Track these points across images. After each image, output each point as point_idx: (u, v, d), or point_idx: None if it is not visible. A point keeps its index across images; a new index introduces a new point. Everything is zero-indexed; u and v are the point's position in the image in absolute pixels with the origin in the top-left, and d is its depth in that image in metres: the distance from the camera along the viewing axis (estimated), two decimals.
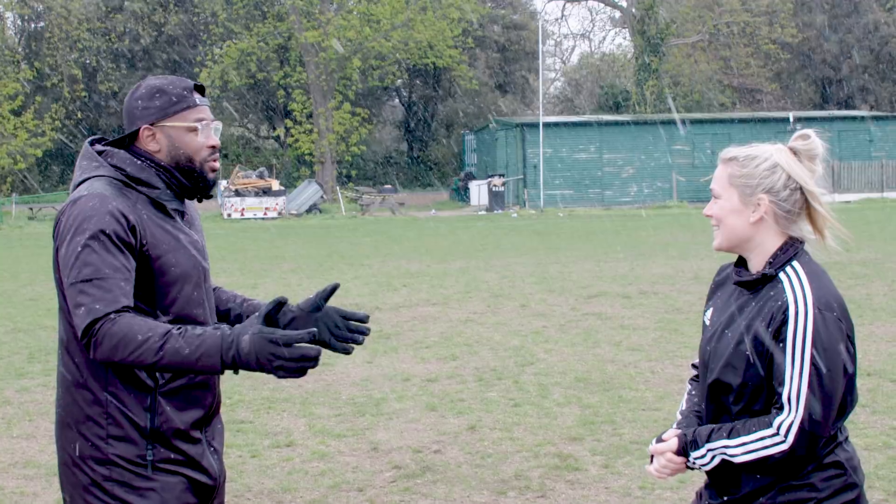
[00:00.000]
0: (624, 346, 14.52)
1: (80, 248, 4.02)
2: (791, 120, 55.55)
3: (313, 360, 3.89)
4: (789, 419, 3.80)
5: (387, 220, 47.15)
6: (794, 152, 4.06)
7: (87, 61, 68.46)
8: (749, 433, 3.88)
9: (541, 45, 62.47)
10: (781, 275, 3.96)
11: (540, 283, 21.50)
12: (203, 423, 4.35)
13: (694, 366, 4.44)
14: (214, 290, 4.71)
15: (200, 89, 4.38)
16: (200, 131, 4.29)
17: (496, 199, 51.24)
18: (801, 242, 4.04)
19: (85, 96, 67.25)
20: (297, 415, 11.13)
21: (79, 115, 67.31)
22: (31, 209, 52.16)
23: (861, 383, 11.75)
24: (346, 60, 60.23)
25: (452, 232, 37.91)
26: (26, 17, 69.43)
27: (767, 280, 3.99)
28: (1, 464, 9.65)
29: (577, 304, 18.49)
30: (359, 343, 4.29)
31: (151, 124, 4.27)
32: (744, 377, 3.93)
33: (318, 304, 4.41)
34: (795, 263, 3.97)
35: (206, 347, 3.90)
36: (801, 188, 4.03)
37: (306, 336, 3.88)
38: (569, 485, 8.61)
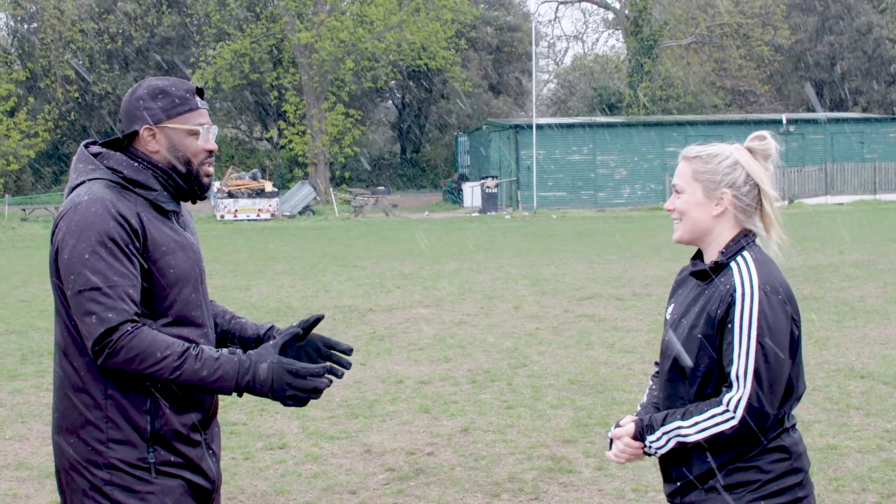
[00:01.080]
0: (617, 348, 14.52)
1: (86, 255, 4.03)
2: (784, 122, 55.61)
3: (320, 393, 4.08)
4: (738, 395, 3.99)
5: (380, 221, 47.13)
6: (751, 151, 4.27)
7: (81, 62, 68.38)
8: (701, 413, 4.07)
9: (534, 47, 62.56)
10: (732, 263, 4.16)
11: (533, 285, 21.49)
12: (202, 425, 4.33)
13: (657, 363, 4.57)
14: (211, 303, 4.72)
15: (201, 93, 4.39)
16: (201, 135, 4.30)
17: (489, 200, 51.23)
18: (754, 235, 4.25)
19: (78, 97, 67.14)
20: (290, 417, 11.12)
21: (72, 116, 67.21)
22: (23, 210, 52.07)
23: (854, 386, 11.77)
24: (339, 62, 60.22)
25: (446, 233, 37.90)
26: (19, 18, 69.28)
27: (720, 269, 4.18)
28: None
29: (571, 305, 18.49)
30: (338, 377, 4.25)
31: (153, 125, 4.26)
32: (696, 360, 4.11)
33: (299, 332, 4.37)
34: (745, 253, 4.18)
35: (223, 371, 4.02)
36: (757, 186, 4.24)
37: (322, 370, 4.08)
38: (562, 487, 8.60)
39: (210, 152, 4.34)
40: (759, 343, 3.97)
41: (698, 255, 4.38)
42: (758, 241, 4.26)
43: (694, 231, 4.27)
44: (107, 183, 4.20)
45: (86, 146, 4.37)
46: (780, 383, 4.02)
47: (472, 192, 54.37)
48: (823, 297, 18.10)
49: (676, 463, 4.22)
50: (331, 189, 58.04)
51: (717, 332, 4.07)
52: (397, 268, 25.63)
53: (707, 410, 4.04)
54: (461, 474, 9.03)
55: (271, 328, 4.62)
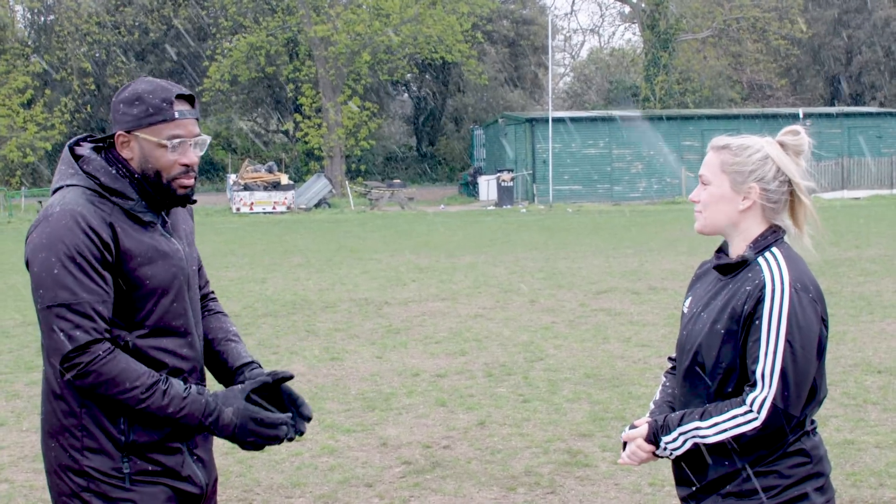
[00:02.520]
0: (633, 342, 14.50)
1: (55, 270, 3.97)
2: (801, 116, 55.46)
3: (280, 441, 4.18)
4: (762, 395, 3.88)
5: (395, 214, 47.14)
6: (783, 146, 4.19)
7: (97, 55, 68.49)
8: (721, 413, 3.96)
9: (550, 41, 62.44)
10: (760, 259, 4.06)
11: (549, 279, 21.48)
12: (182, 434, 4.25)
13: (671, 358, 4.52)
14: (214, 314, 4.62)
15: (189, 99, 4.22)
16: (170, 149, 4.12)
17: (505, 194, 51.21)
18: (783, 231, 4.17)
19: (94, 90, 67.25)
20: None
21: (88, 109, 67.31)
22: (40, 202, 52.14)
23: (871, 381, 11.75)
24: (355, 55, 60.22)
25: (462, 227, 37.90)
26: (36, 11, 69.46)
27: (746, 264, 4.09)
28: (11, 457, 9.66)
29: (587, 299, 18.47)
30: (289, 439, 4.24)
31: (127, 132, 4.15)
32: (718, 356, 4.02)
33: (268, 382, 4.29)
34: (774, 249, 4.09)
35: (188, 410, 4.08)
36: (788, 181, 4.16)
37: (286, 420, 4.18)
38: (578, 481, 8.60)
39: (186, 165, 4.18)
40: (788, 342, 3.86)
41: (721, 249, 4.29)
42: (786, 237, 4.18)
43: (717, 224, 4.18)
44: (82, 191, 4.10)
45: (72, 146, 4.28)
46: (806, 385, 3.92)
47: (487, 186, 54.31)
48: (840, 291, 18.04)
49: (693, 466, 4.12)
50: (346, 182, 58.04)
51: (742, 328, 3.97)
52: (413, 261, 25.63)
53: (727, 411, 3.94)
54: (477, 467, 9.03)
55: (245, 366, 4.47)
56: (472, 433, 10.13)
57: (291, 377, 4.35)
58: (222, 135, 73.31)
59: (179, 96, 4.19)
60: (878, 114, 58.63)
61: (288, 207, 48.85)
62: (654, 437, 4.15)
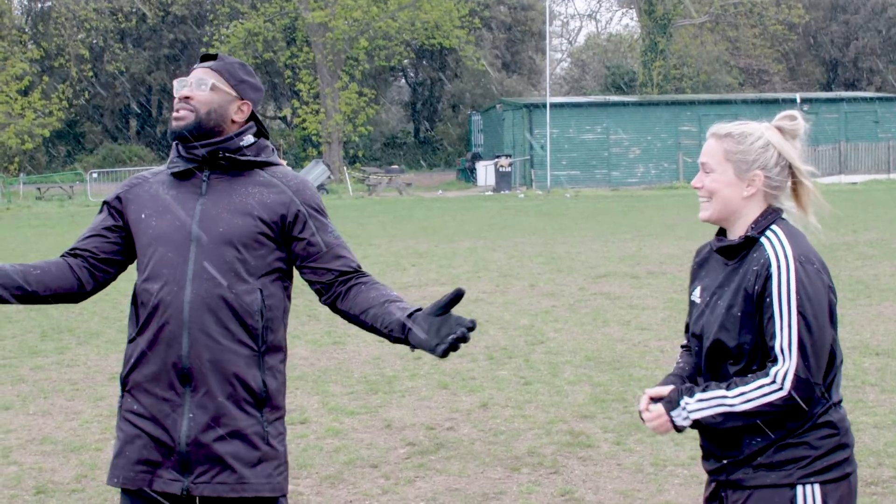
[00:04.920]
0: (633, 325, 14.60)
1: None
2: (798, 101, 55.53)
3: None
4: (784, 368, 3.95)
5: (394, 200, 47.19)
6: (781, 130, 4.24)
7: (95, 41, 68.47)
8: (746, 384, 4.02)
9: (548, 26, 62.56)
10: (762, 238, 4.12)
11: (548, 263, 21.57)
12: (167, 381, 4.42)
13: (683, 346, 4.55)
14: (372, 285, 4.64)
15: (207, 57, 4.66)
16: (175, 90, 4.57)
17: (503, 179, 51.25)
18: (781, 210, 4.22)
19: (92, 76, 67.22)
20: (310, 392, 11.22)
21: (86, 95, 67.29)
22: (38, 189, 52.24)
23: (870, 363, 11.86)
24: (352, 41, 60.21)
25: (460, 212, 37.96)
26: None
27: (750, 245, 4.14)
28: (18, 440, 9.75)
29: (586, 283, 18.56)
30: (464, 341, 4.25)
31: None
32: (739, 339, 4.08)
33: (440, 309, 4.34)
34: (774, 227, 4.14)
35: None
36: (789, 165, 4.21)
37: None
38: (581, 461, 8.69)
39: (179, 98, 4.55)
40: (801, 314, 3.94)
41: (721, 233, 4.33)
42: (787, 217, 4.23)
43: (724, 211, 4.21)
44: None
45: None
46: (824, 352, 3.99)
47: (485, 171, 54.36)
48: (838, 275, 18.11)
49: (722, 439, 4.16)
50: (344, 168, 58.08)
51: (756, 307, 4.03)
52: (412, 246, 25.71)
53: (753, 381, 4.00)
54: (481, 448, 9.13)
55: (415, 312, 4.45)
56: (475, 415, 10.23)
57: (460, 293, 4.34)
58: None
59: (204, 56, 4.70)
60: (876, 99, 58.70)
61: None
62: (675, 401, 4.18)
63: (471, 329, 4.20)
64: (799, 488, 4.04)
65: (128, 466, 4.48)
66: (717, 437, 4.18)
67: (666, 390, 4.25)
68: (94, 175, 52.91)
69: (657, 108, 55.73)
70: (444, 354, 4.21)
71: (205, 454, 4.43)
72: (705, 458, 4.32)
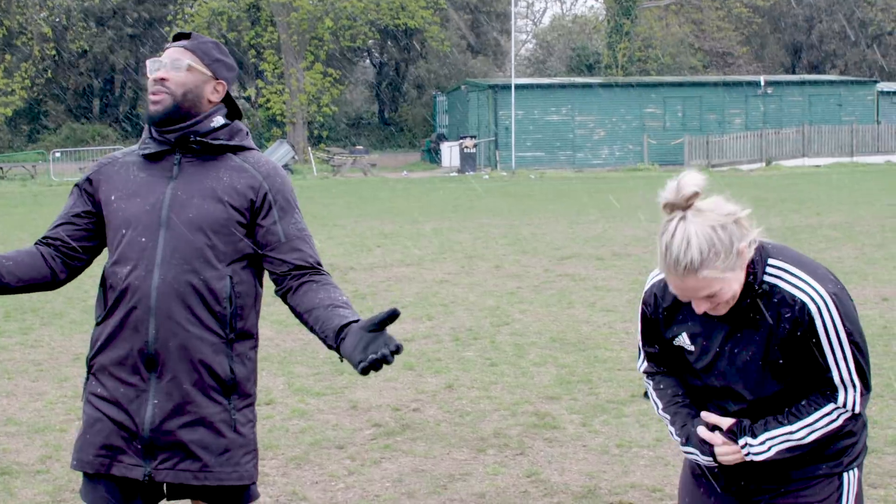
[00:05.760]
0: (598, 307, 14.63)
1: None
2: (762, 83, 55.76)
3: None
4: (851, 396, 3.91)
5: (358, 181, 47.12)
6: (700, 211, 3.76)
7: (57, 19, 67.98)
8: (809, 415, 3.95)
9: (513, 7, 62.45)
10: (768, 278, 3.89)
11: (513, 245, 21.59)
12: (132, 366, 4.40)
13: (649, 372, 4.35)
14: (324, 285, 4.57)
15: (180, 36, 4.60)
16: (149, 72, 4.53)
17: (468, 160, 51.24)
18: (758, 242, 3.91)
19: (55, 55, 66.76)
20: (275, 373, 11.20)
21: (49, 74, 66.84)
22: (0, 169, 51.88)
23: None
24: (317, 20, 60.02)
25: (425, 193, 37.95)
26: None
27: (761, 297, 3.92)
28: None
29: (551, 265, 18.59)
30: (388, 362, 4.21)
31: None
32: (781, 383, 3.99)
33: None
34: (772, 261, 3.92)
35: None
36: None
37: None
38: (547, 443, 8.71)
39: (154, 81, 4.50)
40: (853, 344, 3.86)
41: None
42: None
43: (737, 296, 3.88)
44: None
45: None
46: (871, 365, 3.98)
47: (450, 152, 54.33)
48: (840, 280, 18.14)
49: (765, 473, 4.11)
50: (309, 148, 57.95)
51: (800, 351, 3.89)
52: (377, 227, 25.69)
53: (815, 412, 3.94)
54: (447, 430, 9.14)
55: (351, 323, 4.38)
56: (441, 396, 10.24)
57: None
58: None
59: (177, 35, 4.63)
60: (839, 82, 58.97)
61: None
62: (732, 436, 4.05)
63: (395, 353, 4.17)
64: (845, 475, 4.08)
65: (88, 450, 4.46)
66: (758, 467, 4.11)
67: (725, 422, 4.07)
68: (57, 154, 52.57)
69: (622, 90, 55.80)
70: (364, 372, 4.18)
71: (169, 441, 4.42)
72: (720, 477, 4.23)
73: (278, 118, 63.51)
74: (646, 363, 4.34)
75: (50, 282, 4.55)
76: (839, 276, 14.46)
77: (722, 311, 3.90)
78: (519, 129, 54.11)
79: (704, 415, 4.12)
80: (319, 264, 4.64)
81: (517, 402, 9.93)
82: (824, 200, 30.37)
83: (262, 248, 4.55)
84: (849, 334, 3.85)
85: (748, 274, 3.86)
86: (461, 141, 52.41)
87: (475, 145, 51.94)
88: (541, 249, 20.74)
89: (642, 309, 4.23)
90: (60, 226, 4.57)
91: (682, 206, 3.73)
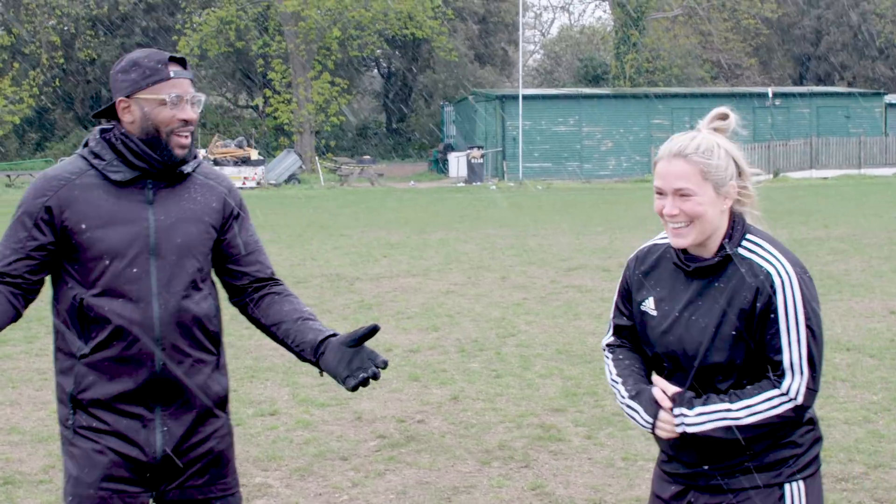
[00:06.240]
0: (604, 318, 14.56)
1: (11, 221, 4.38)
2: (770, 95, 55.70)
3: None
4: (797, 383, 3.90)
5: (365, 190, 47.11)
6: (718, 132, 4.09)
7: (66, 28, 68.08)
8: (751, 397, 3.95)
9: (521, 17, 62.37)
10: (742, 251, 4.00)
11: (520, 256, 21.56)
12: (137, 398, 4.35)
13: (612, 345, 4.42)
14: (285, 297, 4.66)
15: (181, 62, 4.38)
16: (169, 104, 4.27)
17: (475, 171, 51.22)
18: (743, 217, 4.07)
19: (63, 63, 66.87)
20: (280, 384, 11.17)
21: (57, 82, 66.94)
22: (8, 176, 51.92)
23: (840, 358, 11.87)
24: (325, 30, 60.05)
25: (432, 203, 37.93)
26: None
27: (728, 260, 4.00)
28: None
29: (557, 276, 18.55)
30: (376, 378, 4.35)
31: (126, 97, 4.31)
32: (731, 355, 3.97)
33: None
34: (750, 236, 4.03)
35: None
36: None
37: None
38: (552, 455, 8.67)
39: (185, 121, 4.31)
40: (809, 328, 3.89)
41: (681, 250, 4.11)
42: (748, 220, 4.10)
43: (706, 231, 4.00)
44: (78, 157, 4.41)
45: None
46: (823, 360, 3.98)
47: (457, 163, 54.35)
48: (809, 270, 18.09)
49: (703, 446, 4.07)
50: (316, 158, 57.95)
51: (756, 324, 3.93)
52: (384, 237, 25.67)
53: (758, 394, 3.93)
54: (452, 441, 9.10)
55: (328, 338, 4.51)
56: (446, 408, 10.20)
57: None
58: None
59: (173, 58, 4.35)
60: (847, 94, 58.92)
61: (258, 183, 48.74)
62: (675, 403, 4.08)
63: (383, 367, 4.25)
64: (787, 486, 4.04)
65: (88, 486, 4.37)
66: (698, 444, 4.08)
67: (670, 389, 4.11)
68: None
69: (629, 101, 55.80)
70: (353, 388, 4.26)
71: (181, 461, 4.45)
72: (668, 461, 4.26)
73: (286, 127, 63.56)
74: (612, 337, 4.43)
75: (14, 321, 4.44)
76: (847, 288, 14.46)
77: (684, 238, 4.00)
78: (526, 140, 54.09)
79: (655, 378, 4.18)
80: (275, 274, 4.72)
81: (522, 415, 9.88)
82: (832, 212, 30.31)
83: (221, 259, 4.58)
84: (806, 318, 3.90)
85: (725, 235, 4.01)
86: (468, 151, 52.41)
87: (482, 156, 51.93)
88: (547, 260, 20.70)
89: (623, 272, 4.39)
90: (18, 261, 4.34)
91: (706, 126, 4.08)
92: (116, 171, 4.33)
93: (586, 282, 17.82)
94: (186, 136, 4.34)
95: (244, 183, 48.38)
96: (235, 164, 49.07)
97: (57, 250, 4.35)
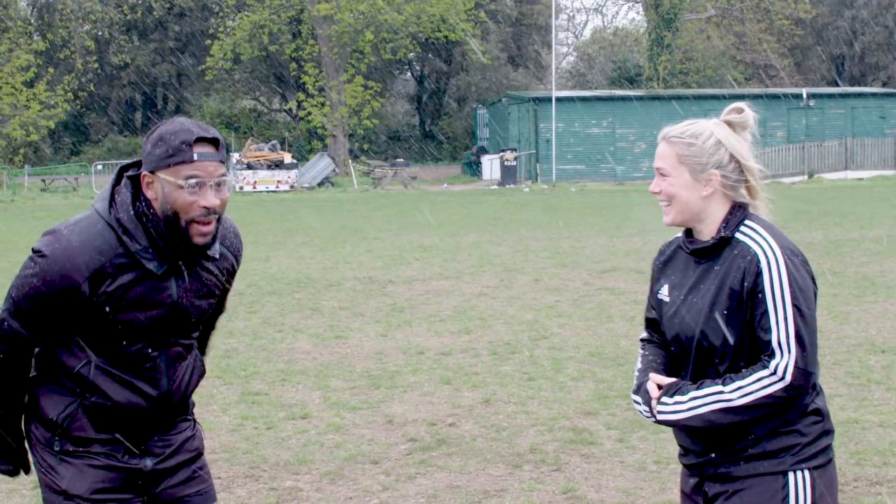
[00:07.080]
0: (637, 321, 14.51)
1: (24, 286, 4.22)
2: (804, 96, 55.44)
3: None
4: (784, 361, 3.98)
5: (398, 193, 47.14)
6: (730, 125, 4.24)
7: (100, 33, 68.42)
8: (743, 378, 4.04)
9: (554, 19, 62.36)
10: (738, 235, 4.13)
11: (553, 258, 21.51)
12: (128, 437, 4.39)
13: (644, 339, 4.53)
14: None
15: (213, 142, 4.17)
16: (187, 189, 4.08)
17: (508, 173, 51.19)
18: (747, 206, 4.21)
19: (97, 68, 67.21)
20: (311, 387, 11.16)
21: (91, 87, 67.29)
22: (43, 181, 52.15)
23: (875, 360, 11.79)
24: (358, 33, 60.13)
25: (465, 206, 37.91)
26: None
27: (725, 244, 4.15)
28: None
29: (591, 278, 18.50)
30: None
31: (150, 172, 4.15)
32: (725, 337, 4.09)
33: None
34: (748, 222, 4.15)
35: None
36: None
37: None
38: (584, 458, 8.63)
39: (207, 208, 4.13)
40: (795, 307, 3.97)
41: (688, 233, 4.33)
42: (752, 210, 4.24)
43: (685, 213, 4.21)
44: (98, 222, 4.20)
45: (123, 168, 4.35)
46: (816, 341, 4.03)
47: (490, 165, 54.31)
48: (844, 271, 18.05)
49: (708, 434, 4.17)
50: (349, 161, 58.02)
51: (745, 304, 4.04)
52: (416, 240, 25.66)
53: (750, 375, 4.02)
54: (483, 445, 9.06)
55: None
56: (478, 411, 10.16)
57: None
58: (225, 114, 73.21)
59: (201, 139, 4.13)
60: (882, 94, 58.62)
61: (291, 186, 48.85)
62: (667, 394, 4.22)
63: None
64: (791, 475, 4.08)
65: (82, 498, 4.34)
66: (703, 432, 4.18)
67: (666, 381, 4.25)
68: (99, 167, 52.81)
69: (663, 102, 55.62)
70: None
71: (170, 468, 4.53)
72: (685, 454, 4.35)
73: (319, 131, 63.66)
74: (645, 331, 4.57)
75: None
76: (882, 290, 14.33)
77: (667, 216, 4.29)
78: (559, 142, 54.03)
79: (652, 375, 4.30)
80: (206, 351, 4.95)
81: (554, 418, 9.84)
82: (867, 214, 30.13)
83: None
84: (793, 297, 3.99)
85: (723, 220, 4.16)
86: (502, 154, 52.37)
87: (516, 158, 51.89)
88: (580, 263, 20.64)
89: (652, 263, 4.59)
90: (47, 338, 4.33)
91: (721, 117, 4.27)
92: (150, 260, 4.20)
93: (619, 284, 17.76)
94: (208, 224, 4.18)
95: (277, 186, 48.49)
96: (269, 167, 49.19)
97: (78, 320, 4.26)
